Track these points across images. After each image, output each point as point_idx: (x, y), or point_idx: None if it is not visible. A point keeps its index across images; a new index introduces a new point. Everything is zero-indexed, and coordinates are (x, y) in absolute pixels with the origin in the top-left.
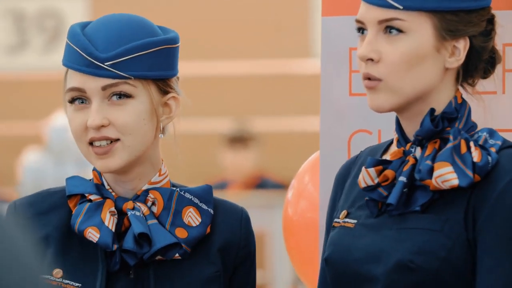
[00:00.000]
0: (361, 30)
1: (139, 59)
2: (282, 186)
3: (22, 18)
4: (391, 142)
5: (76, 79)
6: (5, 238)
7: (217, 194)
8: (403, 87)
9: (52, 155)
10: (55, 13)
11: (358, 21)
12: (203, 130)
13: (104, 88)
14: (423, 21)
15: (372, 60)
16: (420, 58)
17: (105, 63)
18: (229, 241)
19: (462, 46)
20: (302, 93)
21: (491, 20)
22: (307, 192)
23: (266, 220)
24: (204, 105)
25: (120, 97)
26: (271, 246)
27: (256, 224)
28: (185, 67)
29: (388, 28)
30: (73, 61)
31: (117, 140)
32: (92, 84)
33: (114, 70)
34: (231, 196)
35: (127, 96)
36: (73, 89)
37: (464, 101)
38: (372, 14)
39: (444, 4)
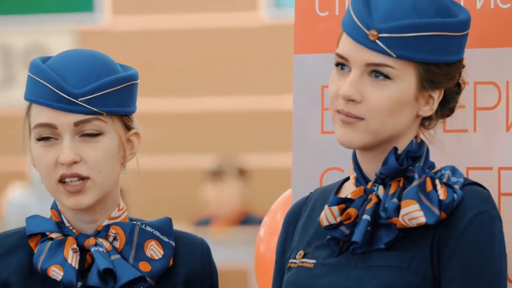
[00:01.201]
0: (341, 65)
1: (110, 95)
2: None
3: (8, 53)
4: (343, 182)
5: (45, 115)
6: None
7: (201, 230)
8: (380, 130)
9: (36, 190)
10: (41, 48)
11: (341, 57)
12: (186, 166)
13: (76, 124)
14: (410, 70)
15: (353, 100)
16: (401, 105)
17: (79, 99)
18: (193, 272)
19: (437, 96)
20: (286, 129)
21: (460, 72)
22: (279, 229)
23: (249, 257)
24: (187, 140)
25: (91, 135)
26: (254, 283)
27: (240, 260)
28: (168, 103)
29: (375, 72)
30: (42, 97)
31: (87, 178)
32: (64, 120)
33: (87, 106)
34: (215, 232)
35: (98, 133)
36: (42, 125)
37: (422, 141)
38: (360, 56)
39: (433, 56)
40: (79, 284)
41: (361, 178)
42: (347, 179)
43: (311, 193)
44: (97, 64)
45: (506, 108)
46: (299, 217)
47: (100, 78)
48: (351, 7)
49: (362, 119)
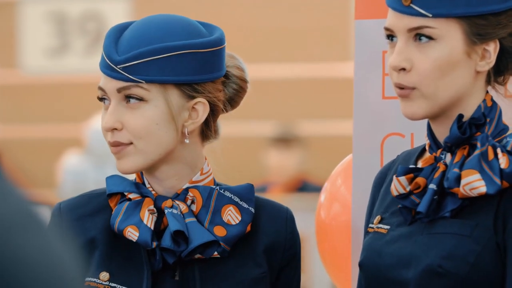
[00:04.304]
0: (391, 37)
1: (154, 63)
2: None
3: (64, 21)
4: (425, 146)
5: (102, 79)
6: (48, 251)
7: None
8: (436, 94)
9: (92, 157)
10: (96, 15)
11: (387, 29)
12: (247, 133)
13: (119, 91)
14: (453, 27)
15: (404, 69)
16: (451, 64)
17: (118, 66)
18: (274, 242)
19: (493, 48)
20: (343, 96)
21: None
22: (340, 195)
23: (306, 224)
24: (248, 108)
25: (133, 100)
26: (311, 249)
27: (298, 227)
28: None
29: (418, 35)
30: (101, 62)
31: (130, 143)
32: (109, 85)
33: (125, 74)
34: (273, 199)
35: (140, 99)
36: (99, 88)
37: (494, 103)
38: (401, 23)
39: (472, 9)
40: (154, 244)
41: (434, 145)
42: None
43: (398, 156)
44: (157, 30)
45: None
46: (384, 181)
47: (148, 45)
48: None
49: (413, 88)
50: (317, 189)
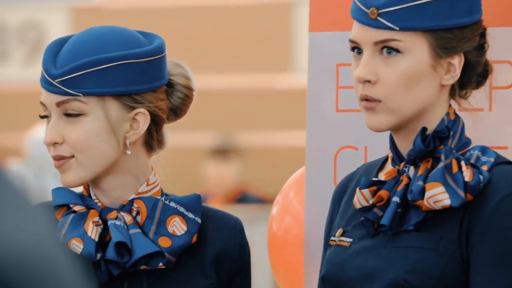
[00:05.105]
0: (356, 49)
1: (91, 76)
2: (262, 201)
3: (3, 29)
4: (386, 159)
5: (43, 95)
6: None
7: None
8: (402, 107)
9: (32, 167)
10: (36, 25)
11: (352, 41)
12: (187, 144)
13: (58, 105)
14: (419, 40)
15: (369, 81)
16: (417, 77)
17: (55, 80)
18: (223, 252)
19: (457, 62)
20: (284, 108)
21: (483, 34)
22: (292, 208)
23: (247, 235)
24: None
25: (73, 113)
26: (252, 261)
27: None
28: None
29: (385, 48)
30: (41, 77)
31: (72, 156)
32: (49, 100)
33: (62, 87)
34: None
35: (80, 112)
36: (41, 103)
37: (457, 117)
38: (367, 35)
39: (439, 22)
40: (98, 256)
41: (396, 158)
42: None
43: (358, 168)
44: (92, 43)
45: None
46: (344, 193)
47: (83, 58)
48: None
49: (379, 101)
50: (257, 200)
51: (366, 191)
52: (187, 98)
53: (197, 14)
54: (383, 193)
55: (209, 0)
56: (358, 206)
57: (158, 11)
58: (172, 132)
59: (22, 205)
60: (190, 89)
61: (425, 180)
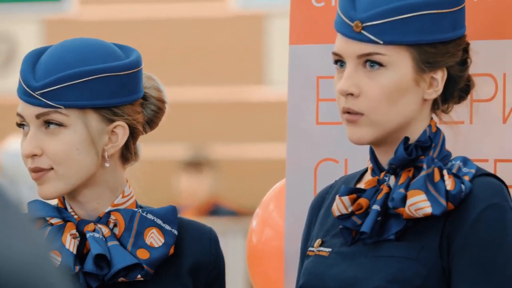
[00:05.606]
0: (339, 62)
1: (72, 88)
2: (235, 214)
3: None
4: (364, 171)
5: (20, 106)
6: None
7: None
8: (384, 121)
9: (6, 179)
10: (8, 37)
11: (335, 54)
12: (159, 156)
13: (38, 117)
14: (402, 54)
15: (352, 94)
16: (400, 91)
17: (36, 92)
18: (199, 262)
19: (440, 77)
20: (257, 120)
21: (466, 49)
22: (272, 220)
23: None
24: (160, 130)
25: (53, 126)
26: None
27: None
28: None
29: (368, 62)
30: (18, 88)
31: (51, 169)
32: (28, 112)
33: (43, 99)
34: None
35: (60, 125)
36: (18, 115)
37: (438, 129)
38: (350, 49)
39: (422, 37)
40: (77, 268)
41: (376, 169)
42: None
43: (336, 181)
44: (73, 55)
45: (503, 100)
46: (322, 205)
47: (65, 70)
48: (338, 4)
49: (361, 114)
50: (229, 212)
51: (345, 198)
52: (160, 110)
53: (170, 26)
54: (362, 201)
55: (181, 12)
56: (337, 213)
57: (130, 23)
58: (144, 144)
59: (17, 217)
60: (162, 101)
61: (406, 188)
